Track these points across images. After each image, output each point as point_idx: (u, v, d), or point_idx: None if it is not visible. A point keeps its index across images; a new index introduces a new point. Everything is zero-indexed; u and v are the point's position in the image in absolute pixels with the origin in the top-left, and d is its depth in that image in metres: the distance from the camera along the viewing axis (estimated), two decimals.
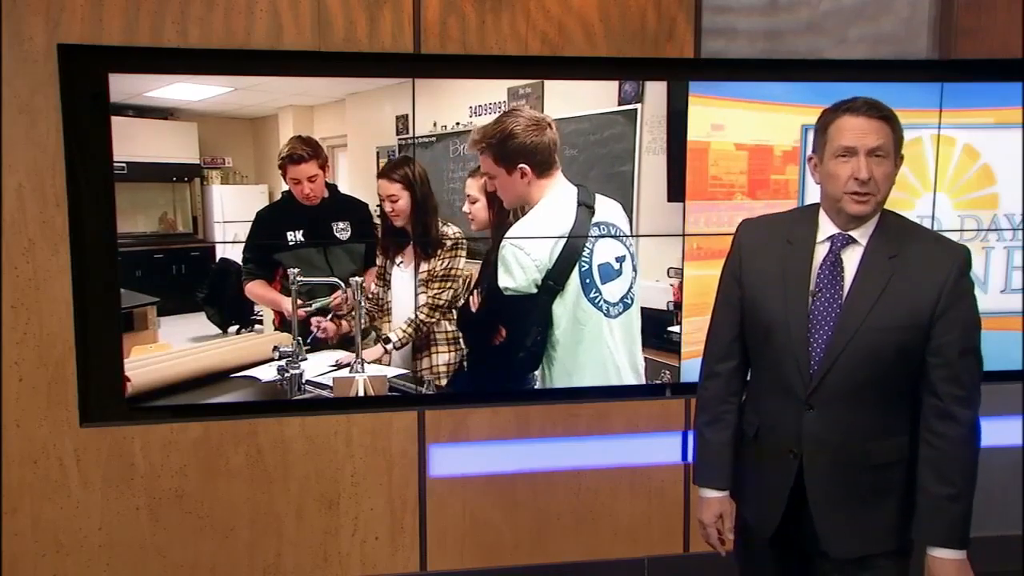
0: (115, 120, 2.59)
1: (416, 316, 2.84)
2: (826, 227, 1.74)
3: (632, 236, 2.90)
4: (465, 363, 2.89)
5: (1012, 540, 3.13)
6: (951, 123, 2.99)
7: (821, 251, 1.74)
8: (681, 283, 2.93)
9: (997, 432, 3.12)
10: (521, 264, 2.78)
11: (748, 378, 1.90)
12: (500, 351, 2.86)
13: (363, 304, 2.80)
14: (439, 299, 2.83)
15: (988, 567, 3.10)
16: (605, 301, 2.87)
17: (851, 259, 1.72)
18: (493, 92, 2.77)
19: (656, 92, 2.84)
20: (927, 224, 3.01)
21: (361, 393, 2.82)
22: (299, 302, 2.77)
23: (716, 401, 1.88)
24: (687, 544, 3.05)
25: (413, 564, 2.93)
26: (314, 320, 2.80)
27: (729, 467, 1.87)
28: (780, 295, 1.74)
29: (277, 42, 2.65)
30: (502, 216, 2.80)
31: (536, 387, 2.90)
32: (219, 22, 2.61)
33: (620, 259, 2.89)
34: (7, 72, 2.53)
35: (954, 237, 3.01)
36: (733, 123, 2.89)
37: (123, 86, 2.59)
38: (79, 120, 2.61)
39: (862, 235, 1.72)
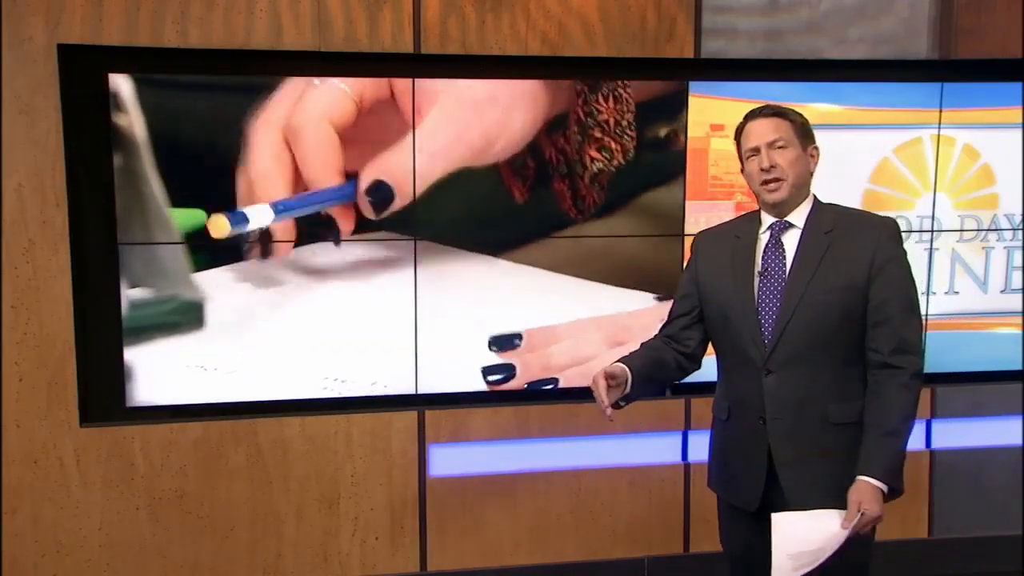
0: None
1: None
2: (767, 219, 1.95)
3: (636, 236, 2.91)
4: None
5: (1012, 540, 3.13)
6: (951, 123, 3.00)
7: (764, 238, 1.94)
8: None
9: (997, 432, 3.13)
10: None
11: (718, 370, 2.04)
12: None
13: None
14: None
15: (988, 567, 3.12)
16: None
17: (791, 240, 1.91)
18: None
19: None
20: (927, 225, 3.02)
21: None
22: None
23: (649, 342, 2.08)
24: (687, 544, 3.05)
25: (413, 564, 2.93)
26: None
27: (637, 361, 1.97)
28: (730, 280, 1.94)
29: (277, 42, 2.65)
30: None
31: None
32: (219, 22, 2.61)
33: None
34: (7, 72, 2.53)
35: (954, 237, 3.05)
36: (733, 123, 2.87)
37: None
38: (79, 120, 2.61)
39: (798, 219, 1.92)
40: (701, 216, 2.91)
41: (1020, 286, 3.11)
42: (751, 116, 1.93)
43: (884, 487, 1.78)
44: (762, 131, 1.89)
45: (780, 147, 1.87)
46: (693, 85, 2.86)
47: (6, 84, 2.53)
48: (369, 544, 2.90)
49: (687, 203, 2.91)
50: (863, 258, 1.84)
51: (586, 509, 2.99)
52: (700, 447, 3.00)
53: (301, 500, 2.84)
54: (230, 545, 2.82)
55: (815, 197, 1.95)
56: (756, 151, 1.89)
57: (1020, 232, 3.09)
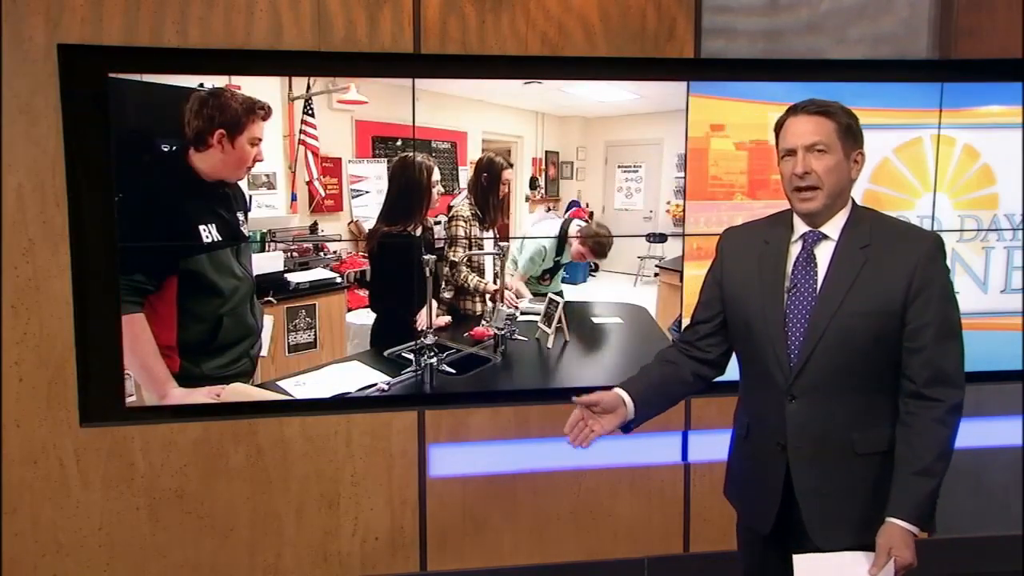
0: None
1: None
2: (799, 227, 1.80)
3: (635, 236, 2.90)
4: None
5: (1012, 540, 3.13)
6: (951, 123, 2.99)
7: (795, 250, 1.79)
8: None
9: (997, 432, 3.13)
10: None
11: (739, 380, 1.94)
12: None
13: None
14: None
15: (988, 567, 3.12)
16: None
17: (824, 254, 1.76)
18: None
19: None
20: (927, 225, 3.01)
21: None
22: None
23: (665, 352, 1.95)
24: (687, 544, 3.05)
25: (413, 564, 2.93)
26: None
27: (638, 383, 1.88)
28: (757, 292, 1.79)
29: (277, 42, 2.65)
30: None
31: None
32: (219, 22, 2.61)
33: None
34: (7, 72, 2.53)
35: (954, 237, 3.05)
36: (733, 123, 2.89)
37: None
38: (79, 120, 2.61)
39: (833, 230, 1.76)
40: (701, 216, 2.91)
41: (1020, 286, 3.11)
42: (793, 111, 1.75)
43: (916, 530, 1.66)
44: (801, 130, 1.71)
45: (819, 151, 1.70)
46: (693, 85, 2.86)
47: (6, 84, 2.53)
48: (369, 544, 2.90)
49: (687, 203, 2.91)
50: (900, 279, 1.69)
51: (586, 509, 2.99)
52: (700, 447, 3.00)
53: (301, 500, 2.84)
54: (230, 545, 2.82)
55: (854, 203, 1.79)
56: (792, 152, 1.72)
57: (1020, 232, 3.09)
